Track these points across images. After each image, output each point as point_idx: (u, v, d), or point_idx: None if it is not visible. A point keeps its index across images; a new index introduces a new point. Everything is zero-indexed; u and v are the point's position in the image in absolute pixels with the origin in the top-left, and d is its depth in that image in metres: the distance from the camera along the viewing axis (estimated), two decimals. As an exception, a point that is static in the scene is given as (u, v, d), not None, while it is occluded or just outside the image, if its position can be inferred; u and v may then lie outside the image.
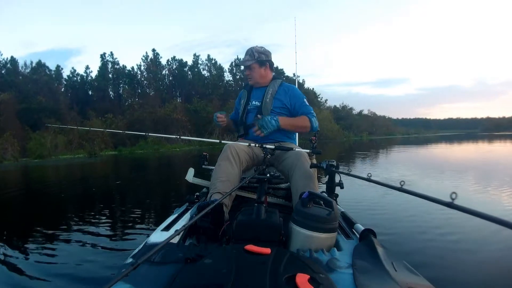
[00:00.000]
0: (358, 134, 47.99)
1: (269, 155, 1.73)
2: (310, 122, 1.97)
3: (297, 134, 2.29)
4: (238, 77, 43.28)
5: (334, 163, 1.62)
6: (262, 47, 2.14)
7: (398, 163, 10.03)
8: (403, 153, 15.07)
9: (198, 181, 2.09)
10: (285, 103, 2.05)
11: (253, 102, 2.13)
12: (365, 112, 62.71)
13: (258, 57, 2.09)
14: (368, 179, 1.15)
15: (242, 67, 2.15)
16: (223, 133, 30.86)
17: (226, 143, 1.88)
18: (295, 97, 2.07)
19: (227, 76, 44.14)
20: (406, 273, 0.97)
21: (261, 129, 1.86)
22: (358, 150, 18.09)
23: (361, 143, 28.79)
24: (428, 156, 13.24)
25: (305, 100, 2.07)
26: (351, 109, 57.48)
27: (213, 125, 30.10)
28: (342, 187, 1.73)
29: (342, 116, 50.61)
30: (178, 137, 2.18)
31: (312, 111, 2.04)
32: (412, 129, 79.04)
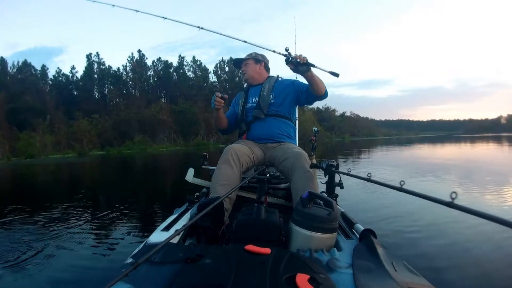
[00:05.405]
0: (340, 135, 48.68)
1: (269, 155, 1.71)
2: (325, 86, 1.97)
3: (296, 134, 2.32)
4: (222, 78, 43.63)
5: (334, 163, 1.63)
6: (261, 53, 2.27)
7: (382, 163, 10.15)
8: (384, 153, 15.41)
9: (198, 181, 2.08)
10: (285, 92, 2.11)
11: (252, 99, 2.18)
12: (348, 113, 64.09)
13: (255, 56, 2.24)
14: (368, 179, 1.16)
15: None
16: (209, 133, 31.01)
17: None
18: (293, 81, 2.17)
19: (212, 77, 44.54)
20: (406, 273, 0.97)
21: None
22: (341, 150, 18.40)
23: (343, 144, 29.27)
24: (409, 156, 13.47)
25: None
26: (333, 110, 58.45)
27: (198, 126, 30.54)
28: (342, 187, 1.72)
29: (325, 117, 51.38)
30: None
31: None
32: (394, 130, 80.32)
